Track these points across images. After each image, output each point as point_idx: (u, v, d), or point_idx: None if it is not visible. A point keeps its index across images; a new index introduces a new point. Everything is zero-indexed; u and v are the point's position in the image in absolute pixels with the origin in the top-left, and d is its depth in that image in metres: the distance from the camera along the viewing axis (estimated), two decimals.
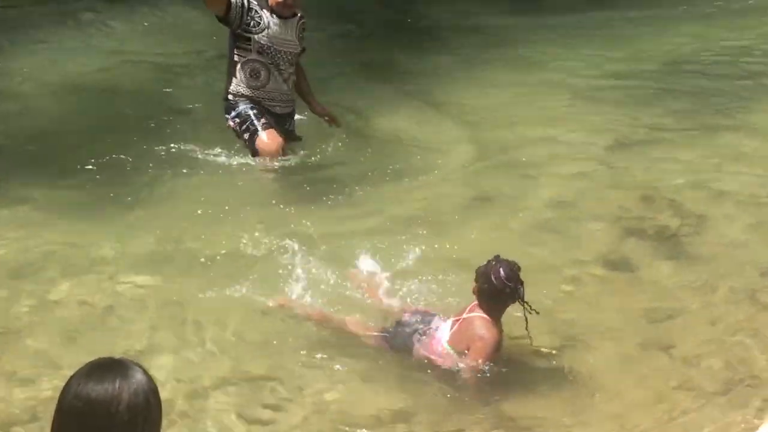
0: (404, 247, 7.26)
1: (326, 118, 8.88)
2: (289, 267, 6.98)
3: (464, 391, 5.88)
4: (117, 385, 2.78)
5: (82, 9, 13.27)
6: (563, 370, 6.19)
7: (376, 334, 6.28)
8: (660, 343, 6.50)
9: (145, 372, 2.87)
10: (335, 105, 9.38)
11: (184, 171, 8.63)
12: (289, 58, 8.45)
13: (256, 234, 7.51)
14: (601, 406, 5.91)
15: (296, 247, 7.21)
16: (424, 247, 7.24)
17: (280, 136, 8.43)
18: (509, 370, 5.98)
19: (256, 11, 8.23)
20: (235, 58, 8.38)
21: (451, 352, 5.90)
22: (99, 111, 10.27)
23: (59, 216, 7.98)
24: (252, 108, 8.39)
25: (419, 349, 6.04)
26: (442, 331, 6.00)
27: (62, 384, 2.84)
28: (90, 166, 8.66)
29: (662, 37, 12.44)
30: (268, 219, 7.84)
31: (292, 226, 7.67)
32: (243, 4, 8.17)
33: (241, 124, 8.43)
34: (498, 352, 5.91)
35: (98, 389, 2.77)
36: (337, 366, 6.13)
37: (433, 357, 5.99)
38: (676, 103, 10.26)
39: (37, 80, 11.09)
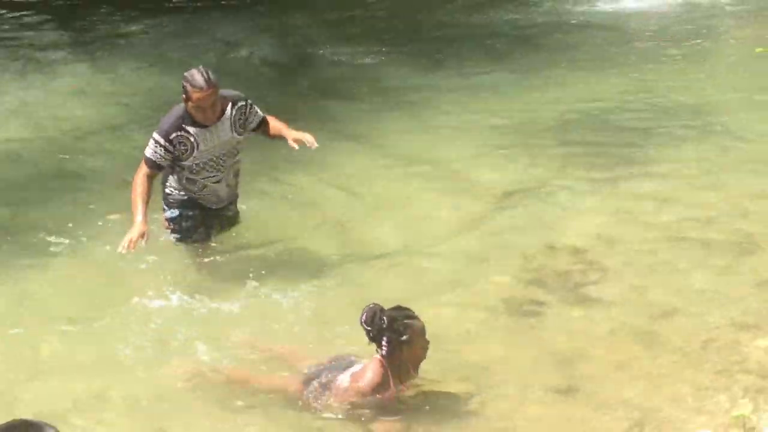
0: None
1: (306, 142, 7.96)
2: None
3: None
4: None
5: None
6: (470, 413, 6.32)
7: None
8: (566, 386, 6.58)
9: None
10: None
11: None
12: (229, 152, 7.82)
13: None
14: None
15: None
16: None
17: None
18: (417, 412, 6.19)
19: (179, 140, 7.57)
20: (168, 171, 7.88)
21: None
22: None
23: None
24: (185, 220, 7.95)
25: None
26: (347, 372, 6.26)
27: None
28: None
29: (557, 92, 12.41)
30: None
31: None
32: (166, 147, 7.54)
33: (171, 230, 8.02)
34: (379, 394, 6.07)
35: None
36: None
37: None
38: (573, 154, 10.35)
39: None
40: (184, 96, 7.46)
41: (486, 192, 9.54)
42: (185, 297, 7.61)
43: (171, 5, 16.51)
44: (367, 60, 13.88)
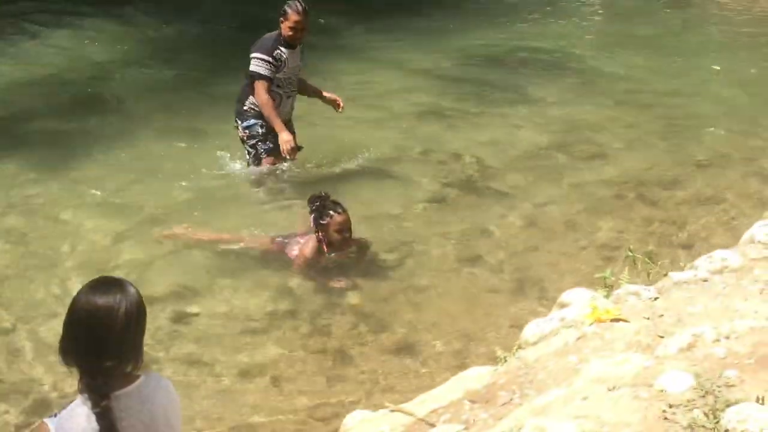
0: None
1: (337, 102, 8.23)
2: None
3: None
4: (117, 297, 2.87)
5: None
6: (401, 275, 6.85)
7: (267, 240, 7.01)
8: (468, 256, 7.08)
9: (136, 289, 2.95)
10: None
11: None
12: (297, 74, 7.94)
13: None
14: (429, 307, 6.49)
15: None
16: None
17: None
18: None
19: (278, 56, 7.69)
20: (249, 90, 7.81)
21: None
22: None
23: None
24: (261, 126, 7.85)
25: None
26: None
27: None
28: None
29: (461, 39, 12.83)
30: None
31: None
32: (271, 61, 7.64)
33: (249, 137, 7.91)
34: (314, 257, 6.73)
35: (103, 299, 2.86)
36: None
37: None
38: (472, 89, 10.77)
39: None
40: (282, 18, 7.63)
41: (406, 115, 9.95)
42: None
43: None
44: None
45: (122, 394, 2.91)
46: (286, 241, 6.96)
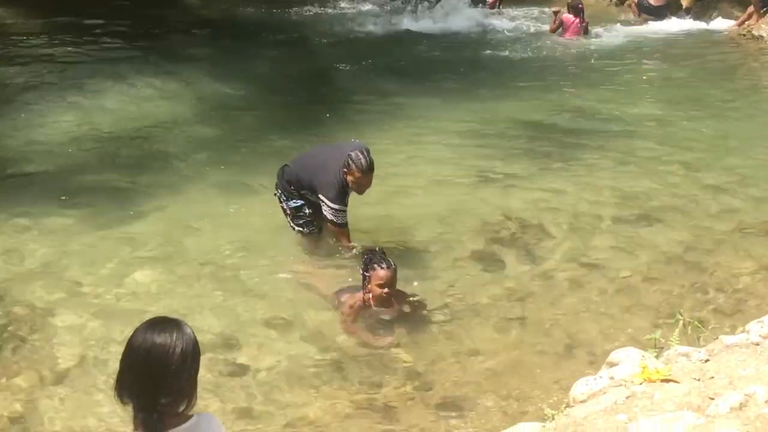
0: None
1: None
2: None
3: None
4: (174, 336, 2.99)
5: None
6: (449, 334, 6.87)
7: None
8: (516, 316, 7.10)
9: (192, 329, 3.09)
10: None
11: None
12: None
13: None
14: (477, 366, 6.46)
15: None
16: None
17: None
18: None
19: (347, 198, 7.54)
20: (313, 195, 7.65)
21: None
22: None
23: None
24: (309, 207, 7.77)
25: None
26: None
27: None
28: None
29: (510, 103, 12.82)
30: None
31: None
32: (345, 210, 7.52)
33: (295, 216, 7.84)
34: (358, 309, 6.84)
35: (160, 338, 2.97)
36: None
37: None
38: (523, 150, 10.73)
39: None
40: (345, 169, 7.31)
41: (456, 177, 9.90)
42: None
43: None
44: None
45: None
46: (342, 289, 7.09)
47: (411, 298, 7.07)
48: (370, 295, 6.75)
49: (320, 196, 7.49)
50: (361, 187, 7.45)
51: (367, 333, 6.81)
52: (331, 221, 7.54)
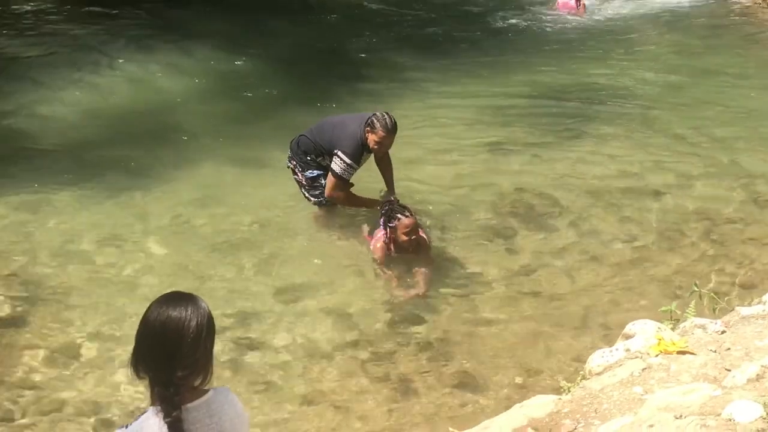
0: None
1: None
2: None
3: None
4: (189, 310, 2.97)
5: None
6: (464, 307, 6.90)
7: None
8: (529, 289, 7.13)
9: (207, 303, 3.05)
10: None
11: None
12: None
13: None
14: (492, 339, 6.50)
15: None
16: None
17: None
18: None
19: (363, 158, 7.57)
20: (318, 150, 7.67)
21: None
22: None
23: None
24: (325, 178, 7.67)
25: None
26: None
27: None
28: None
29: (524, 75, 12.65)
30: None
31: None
32: (354, 167, 7.50)
33: (312, 187, 7.80)
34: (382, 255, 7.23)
35: (175, 312, 2.96)
36: None
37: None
38: (537, 122, 10.62)
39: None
40: (368, 128, 7.34)
41: (474, 146, 9.87)
42: None
43: None
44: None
45: (192, 407, 2.98)
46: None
47: (422, 240, 7.25)
48: (392, 242, 7.13)
49: (336, 151, 7.48)
50: (382, 147, 7.51)
51: (397, 281, 7.15)
52: (335, 173, 7.48)
